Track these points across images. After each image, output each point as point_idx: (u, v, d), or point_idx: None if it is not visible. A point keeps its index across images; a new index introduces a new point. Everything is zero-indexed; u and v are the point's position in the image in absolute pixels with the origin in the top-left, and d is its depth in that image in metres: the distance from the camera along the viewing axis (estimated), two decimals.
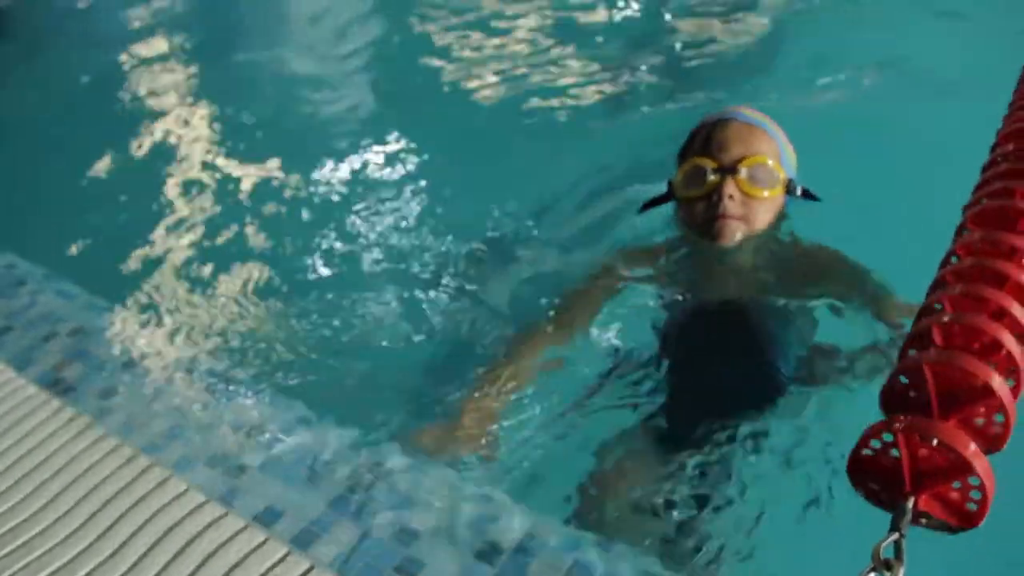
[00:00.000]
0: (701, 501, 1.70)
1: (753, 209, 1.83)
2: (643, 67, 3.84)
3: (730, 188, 1.79)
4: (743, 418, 1.77)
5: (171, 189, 3.10)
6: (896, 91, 3.15)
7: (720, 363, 1.87)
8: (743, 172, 1.80)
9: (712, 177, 1.80)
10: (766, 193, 1.83)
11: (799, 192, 1.91)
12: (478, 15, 4.44)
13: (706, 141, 1.88)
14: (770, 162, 1.83)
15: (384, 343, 2.21)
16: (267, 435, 1.73)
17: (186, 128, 3.52)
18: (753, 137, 1.86)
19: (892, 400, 1.04)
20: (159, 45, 4.47)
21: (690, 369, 1.90)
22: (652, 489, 1.71)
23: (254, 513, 1.58)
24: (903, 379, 1.02)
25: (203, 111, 3.73)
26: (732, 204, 1.80)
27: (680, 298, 1.96)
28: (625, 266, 2.01)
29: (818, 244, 1.96)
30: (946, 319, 1.07)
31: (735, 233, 1.83)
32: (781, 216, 1.93)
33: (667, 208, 2.01)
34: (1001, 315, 1.09)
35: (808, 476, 1.71)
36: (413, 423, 1.81)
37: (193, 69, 4.20)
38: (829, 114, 3.02)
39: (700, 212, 1.85)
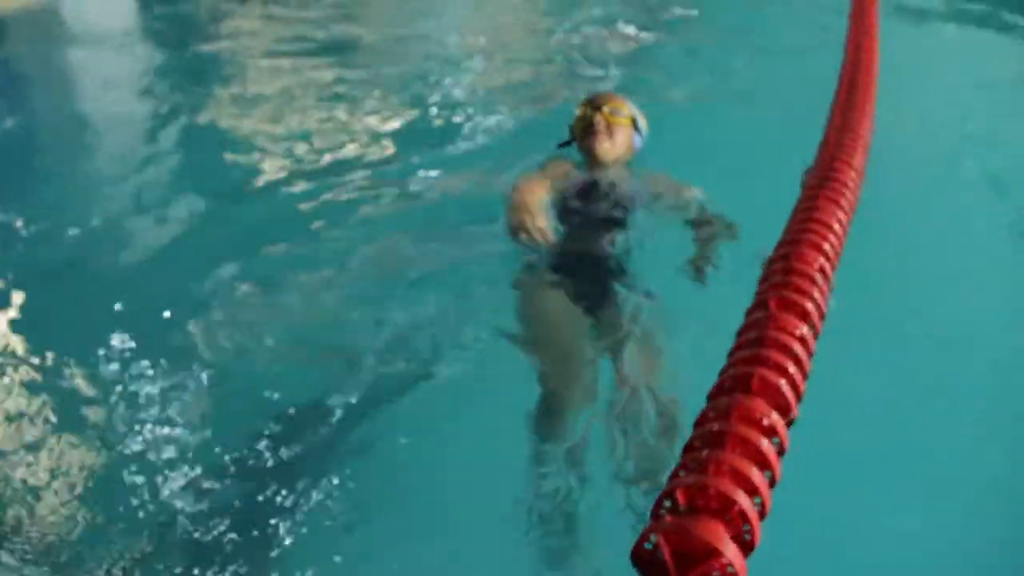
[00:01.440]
0: None
1: (614, 132, 3.25)
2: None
3: (598, 116, 3.24)
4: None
5: None
6: None
7: (595, 258, 3.05)
8: (607, 109, 3.26)
9: (589, 113, 3.26)
10: (622, 121, 3.27)
11: (643, 132, 3.37)
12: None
13: (589, 100, 3.35)
14: (623, 108, 3.29)
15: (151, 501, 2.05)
16: None
17: None
18: (614, 98, 3.33)
19: (640, 562, 1.09)
20: None
21: (576, 262, 3.05)
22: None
23: None
24: (647, 544, 1.08)
25: None
26: (601, 125, 3.21)
27: (574, 205, 3.15)
28: (553, 167, 3.28)
29: (656, 171, 3.29)
30: (688, 481, 1.15)
31: (604, 143, 3.22)
32: (634, 147, 3.33)
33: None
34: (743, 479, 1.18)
35: None
36: None
37: None
38: None
39: (584, 136, 3.27)
